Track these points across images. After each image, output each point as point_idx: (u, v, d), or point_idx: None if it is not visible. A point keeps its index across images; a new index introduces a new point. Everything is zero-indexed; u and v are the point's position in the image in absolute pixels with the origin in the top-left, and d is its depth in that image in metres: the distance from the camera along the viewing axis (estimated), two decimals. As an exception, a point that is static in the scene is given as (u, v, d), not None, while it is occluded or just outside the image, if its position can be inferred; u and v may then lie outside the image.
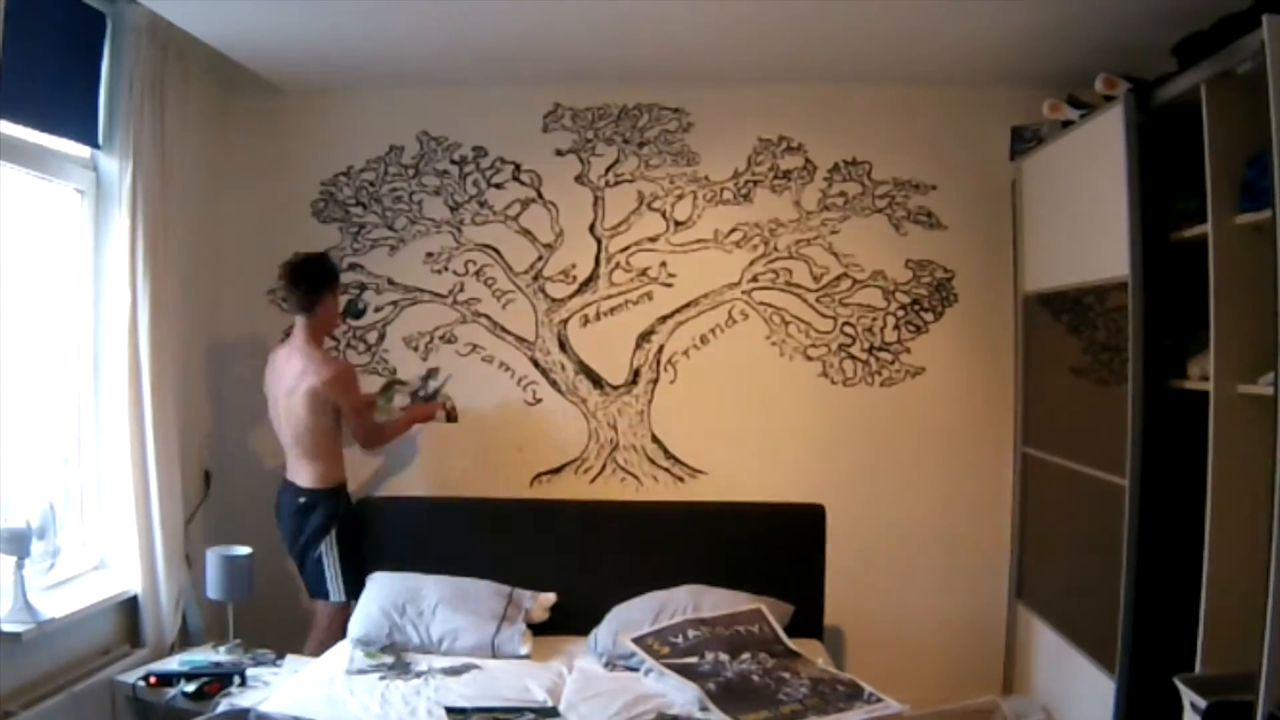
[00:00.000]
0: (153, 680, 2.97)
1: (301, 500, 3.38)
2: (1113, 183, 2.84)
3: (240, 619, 3.39)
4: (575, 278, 3.92)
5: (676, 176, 3.90)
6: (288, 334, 3.56)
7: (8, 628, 2.65)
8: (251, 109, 3.95)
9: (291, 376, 3.35)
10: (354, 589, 3.43)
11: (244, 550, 3.38)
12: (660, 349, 3.91)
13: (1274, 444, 2.13)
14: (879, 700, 2.71)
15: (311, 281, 3.35)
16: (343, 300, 3.94)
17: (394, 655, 3.11)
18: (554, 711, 2.73)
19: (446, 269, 3.94)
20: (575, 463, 3.93)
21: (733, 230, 3.88)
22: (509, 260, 3.93)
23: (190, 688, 2.92)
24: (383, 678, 2.93)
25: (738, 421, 3.90)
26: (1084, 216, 3.17)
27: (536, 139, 3.91)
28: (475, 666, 3.06)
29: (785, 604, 3.32)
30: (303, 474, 3.39)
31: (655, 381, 3.91)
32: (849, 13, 3.10)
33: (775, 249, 3.88)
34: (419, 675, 2.95)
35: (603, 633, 3.24)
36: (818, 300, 3.88)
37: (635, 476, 3.92)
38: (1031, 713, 3.36)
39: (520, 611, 3.29)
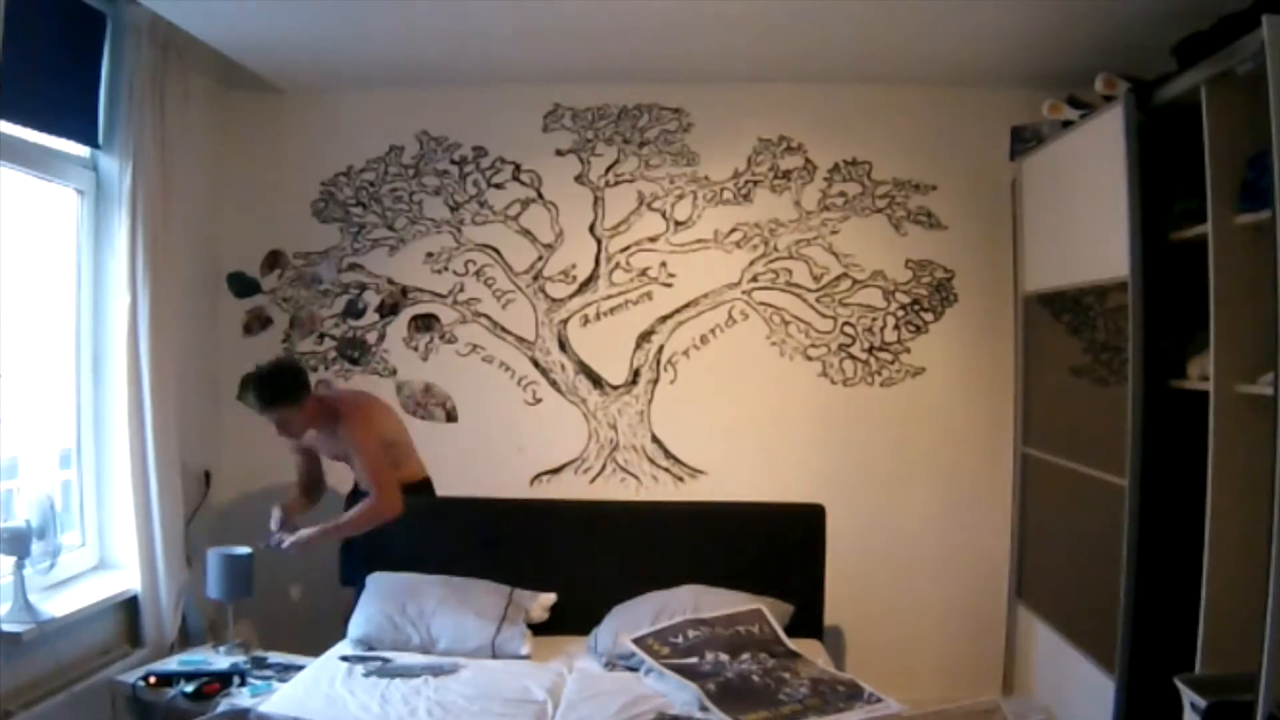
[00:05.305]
0: (153, 680, 2.96)
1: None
2: (1113, 183, 2.84)
3: (240, 619, 3.38)
4: (575, 278, 3.92)
5: (676, 176, 3.89)
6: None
7: (8, 628, 2.64)
8: (251, 109, 3.95)
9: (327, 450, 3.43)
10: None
11: (244, 550, 3.37)
12: (660, 349, 3.90)
13: (1274, 444, 2.13)
14: (879, 700, 2.71)
15: (269, 394, 3.11)
16: (343, 301, 3.95)
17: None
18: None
19: (446, 269, 3.94)
20: (575, 463, 3.93)
21: (733, 230, 3.88)
22: (509, 260, 3.93)
23: (190, 688, 2.92)
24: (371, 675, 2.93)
25: (738, 421, 3.89)
26: (1084, 216, 3.17)
27: (536, 139, 3.91)
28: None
29: (785, 604, 3.31)
30: None
31: (655, 381, 3.91)
32: (849, 13, 3.10)
33: (775, 249, 3.87)
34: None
35: (603, 633, 3.24)
36: (818, 300, 3.88)
37: (635, 476, 3.92)
38: (1031, 713, 3.35)
39: (520, 611, 3.28)
